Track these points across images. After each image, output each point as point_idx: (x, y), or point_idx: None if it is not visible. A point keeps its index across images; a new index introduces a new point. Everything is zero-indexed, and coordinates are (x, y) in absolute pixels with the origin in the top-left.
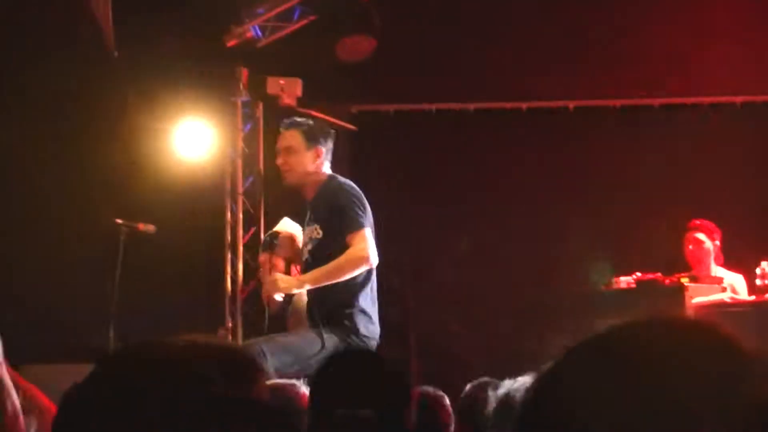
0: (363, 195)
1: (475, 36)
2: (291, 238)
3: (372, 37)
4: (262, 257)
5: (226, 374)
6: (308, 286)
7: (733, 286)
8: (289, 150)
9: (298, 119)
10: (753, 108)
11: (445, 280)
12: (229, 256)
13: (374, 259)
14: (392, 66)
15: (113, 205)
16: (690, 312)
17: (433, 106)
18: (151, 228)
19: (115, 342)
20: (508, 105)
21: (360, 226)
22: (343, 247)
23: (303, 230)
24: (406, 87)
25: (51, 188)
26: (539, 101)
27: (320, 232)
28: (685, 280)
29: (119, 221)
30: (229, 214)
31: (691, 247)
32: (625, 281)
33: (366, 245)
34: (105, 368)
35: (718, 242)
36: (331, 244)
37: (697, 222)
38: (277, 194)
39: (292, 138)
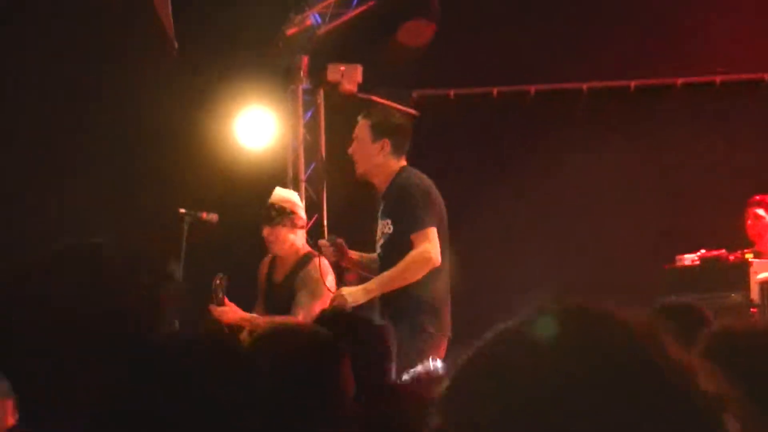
0: (432, 187)
1: (534, 17)
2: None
3: (431, 21)
4: (265, 231)
5: (308, 358)
6: (375, 295)
7: None
8: (357, 140)
9: (375, 110)
10: None
11: (506, 260)
12: None
13: (438, 260)
14: (452, 49)
15: (177, 195)
16: (755, 287)
17: (494, 89)
18: (214, 217)
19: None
20: (569, 86)
21: (423, 226)
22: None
23: (377, 223)
24: (466, 70)
25: (115, 179)
26: (599, 81)
27: (391, 227)
28: (749, 256)
29: (182, 211)
30: None
31: (750, 222)
32: (689, 258)
33: (429, 246)
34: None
35: None
36: (400, 240)
37: (758, 197)
38: (339, 181)
39: (360, 128)
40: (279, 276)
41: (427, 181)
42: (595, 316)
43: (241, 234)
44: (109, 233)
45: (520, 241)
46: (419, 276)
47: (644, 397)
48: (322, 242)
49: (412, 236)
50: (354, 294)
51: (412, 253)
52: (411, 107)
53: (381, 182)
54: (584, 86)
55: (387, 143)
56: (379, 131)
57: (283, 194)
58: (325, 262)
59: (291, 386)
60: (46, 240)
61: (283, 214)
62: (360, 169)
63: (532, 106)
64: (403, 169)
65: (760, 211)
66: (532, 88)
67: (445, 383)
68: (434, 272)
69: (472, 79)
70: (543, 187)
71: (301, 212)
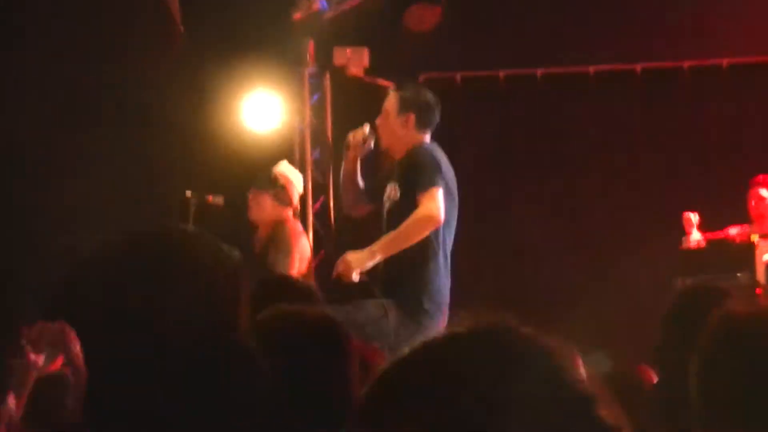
0: (444, 163)
1: (541, 0)
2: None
3: (437, 4)
4: (250, 193)
5: (322, 345)
6: (380, 257)
7: None
8: (384, 112)
9: (409, 84)
10: None
11: (513, 245)
12: None
13: (440, 219)
14: (458, 33)
15: (182, 178)
16: (761, 268)
17: (500, 72)
18: (220, 200)
19: None
20: (576, 69)
21: (429, 185)
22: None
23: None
24: (473, 54)
25: (120, 163)
26: (606, 64)
27: (398, 191)
28: (755, 237)
29: (188, 193)
30: None
31: (753, 202)
32: (695, 241)
33: (435, 204)
34: None
35: None
36: (407, 205)
37: (760, 178)
38: None
39: (389, 101)
40: (258, 247)
41: (442, 157)
42: (506, 337)
43: (247, 217)
44: (115, 217)
45: (527, 224)
46: (423, 234)
47: (546, 421)
48: (361, 132)
49: (419, 196)
50: (359, 259)
51: (416, 212)
52: None
53: (397, 153)
54: (591, 69)
55: (411, 117)
56: (405, 105)
57: (284, 168)
58: (298, 226)
59: (291, 379)
60: (51, 232)
61: (273, 183)
62: (384, 142)
63: (538, 89)
64: (422, 142)
65: (763, 191)
66: (539, 72)
67: (359, 404)
68: (434, 251)
69: (478, 63)
70: (550, 170)
71: (293, 192)
